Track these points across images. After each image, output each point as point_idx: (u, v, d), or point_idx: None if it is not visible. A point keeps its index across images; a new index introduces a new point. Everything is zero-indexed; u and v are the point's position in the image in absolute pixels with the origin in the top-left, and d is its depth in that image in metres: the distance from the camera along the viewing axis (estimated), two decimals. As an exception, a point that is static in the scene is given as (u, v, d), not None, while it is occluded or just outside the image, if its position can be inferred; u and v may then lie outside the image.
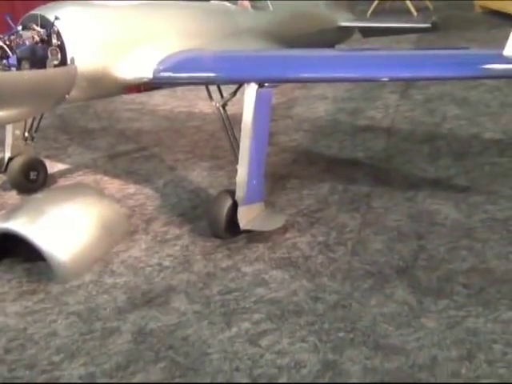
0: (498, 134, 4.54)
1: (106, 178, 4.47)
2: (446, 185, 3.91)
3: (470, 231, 3.33)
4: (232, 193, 3.39)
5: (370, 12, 8.95)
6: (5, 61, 3.04)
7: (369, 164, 4.33)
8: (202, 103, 5.78)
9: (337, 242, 3.34)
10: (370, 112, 5.28)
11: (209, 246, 3.40)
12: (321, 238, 3.38)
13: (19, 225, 3.22)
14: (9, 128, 4.25)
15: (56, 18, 3.21)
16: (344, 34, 5.80)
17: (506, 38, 2.89)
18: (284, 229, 3.48)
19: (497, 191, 3.72)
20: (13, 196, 4.27)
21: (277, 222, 3.48)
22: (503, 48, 2.90)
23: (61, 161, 4.87)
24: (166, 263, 3.25)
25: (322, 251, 3.24)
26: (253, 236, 3.40)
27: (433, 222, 3.46)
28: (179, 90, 6.24)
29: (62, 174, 4.62)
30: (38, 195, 3.90)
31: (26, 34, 3.18)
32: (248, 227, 3.36)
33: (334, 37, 5.61)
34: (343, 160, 4.45)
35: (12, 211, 3.52)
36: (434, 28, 5.89)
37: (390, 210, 3.64)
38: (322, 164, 4.40)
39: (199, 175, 4.38)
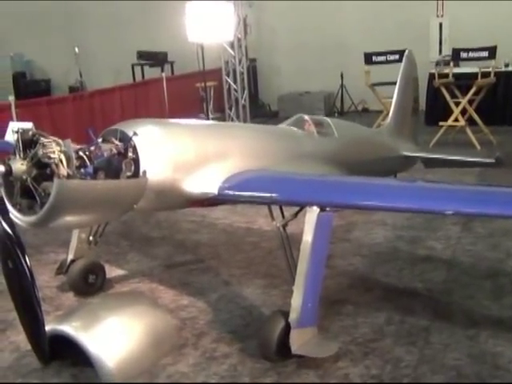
0: None
1: (161, 288, 4.51)
2: (510, 326, 3.72)
3: (536, 379, 3.12)
4: (285, 314, 3.33)
5: (432, 143, 9.06)
6: (82, 170, 3.24)
7: (428, 296, 4.19)
8: (262, 220, 5.87)
9: (392, 377, 3.18)
10: (430, 242, 5.20)
11: (258, 368, 3.31)
12: (374, 371, 3.24)
13: (72, 328, 3.25)
14: (75, 231, 4.42)
15: (134, 134, 3.43)
16: (406, 163, 5.88)
17: None
18: (336, 357, 3.35)
19: None
20: (70, 297, 4.35)
21: (329, 349, 3.37)
22: None
23: (119, 266, 4.98)
24: (213, 382, 3.17)
25: (375, 386, 3.09)
26: (303, 361, 3.30)
27: (496, 366, 3.26)
28: (240, 205, 6.37)
29: (119, 279, 4.70)
30: (94, 300, 3.97)
31: (105, 146, 3.39)
32: (300, 352, 3.27)
33: (396, 165, 5.69)
34: (401, 289, 4.34)
35: (67, 314, 3.57)
36: (498, 163, 5.88)
37: (450, 347, 3.46)
38: (379, 292, 4.29)
39: (253, 292, 4.35)
